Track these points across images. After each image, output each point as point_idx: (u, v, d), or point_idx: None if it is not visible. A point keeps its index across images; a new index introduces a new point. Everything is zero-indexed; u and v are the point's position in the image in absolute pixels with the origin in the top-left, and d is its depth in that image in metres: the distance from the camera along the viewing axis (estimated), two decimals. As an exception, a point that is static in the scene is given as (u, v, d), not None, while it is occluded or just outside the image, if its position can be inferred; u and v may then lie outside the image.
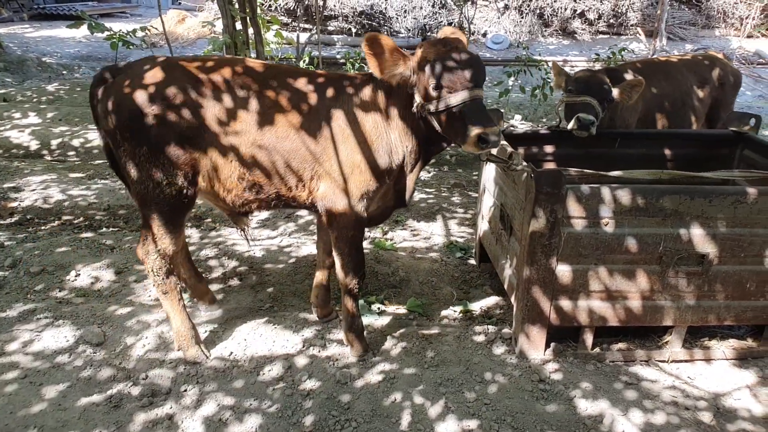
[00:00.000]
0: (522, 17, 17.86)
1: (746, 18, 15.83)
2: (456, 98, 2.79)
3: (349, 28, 17.64)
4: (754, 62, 13.43)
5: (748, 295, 3.43)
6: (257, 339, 3.75)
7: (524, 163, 3.26)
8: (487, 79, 3.70)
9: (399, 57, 2.94)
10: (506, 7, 18.11)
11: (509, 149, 3.17)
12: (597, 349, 3.60)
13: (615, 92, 4.17)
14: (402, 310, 4.22)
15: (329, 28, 17.72)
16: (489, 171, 4.28)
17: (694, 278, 3.36)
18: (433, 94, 2.85)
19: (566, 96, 4.24)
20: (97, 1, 23.52)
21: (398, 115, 3.10)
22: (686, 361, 3.60)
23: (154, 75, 2.97)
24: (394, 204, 3.50)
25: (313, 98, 3.11)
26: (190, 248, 4.95)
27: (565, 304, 3.43)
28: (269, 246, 5.17)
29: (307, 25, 17.41)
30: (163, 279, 3.34)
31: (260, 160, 3.08)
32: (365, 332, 3.71)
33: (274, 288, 4.46)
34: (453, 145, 3.18)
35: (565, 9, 17.62)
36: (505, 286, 3.82)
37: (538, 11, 17.84)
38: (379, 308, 4.21)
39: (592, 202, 3.21)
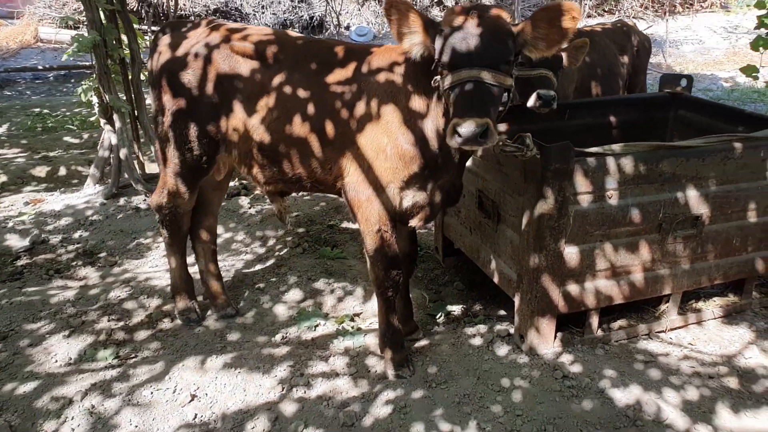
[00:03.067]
0: (382, 7, 17.84)
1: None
2: (448, 79, 2.40)
3: (204, 27, 16.37)
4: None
5: (733, 251, 3.42)
6: (223, 390, 3.02)
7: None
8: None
9: (417, 22, 2.49)
10: (365, -3, 17.97)
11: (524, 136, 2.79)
12: (600, 332, 3.38)
13: (564, 57, 3.98)
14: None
15: (181, 28, 16.30)
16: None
17: (689, 242, 3.26)
18: (440, 70, 2.45)
19: (518, 70, 3.97)
20: None
21: (431, 94, 2.67)
22: (681, 327, 3.52)
23: (193, 34, 3.15)
24: (441, 201, 2.99)
25: (341, 72, 2.88)
26: (92, 291, 4.01)
27: (573, 288, 3.15)
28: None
29: (156, 27, 15.83)
30: (170, 233, 3.53)
31: (282, 135, 2.96)
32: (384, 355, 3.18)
33: (216, 320, 3.70)
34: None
35: (425, -4, 17.88)
36: (496, 280, 3.47)
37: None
38: (353, 327, 3.65)
39: (598, 175, 2.95)
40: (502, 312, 3.78)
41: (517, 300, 3.24)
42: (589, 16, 17.85)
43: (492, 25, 2.39)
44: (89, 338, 3.47)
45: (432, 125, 2.73)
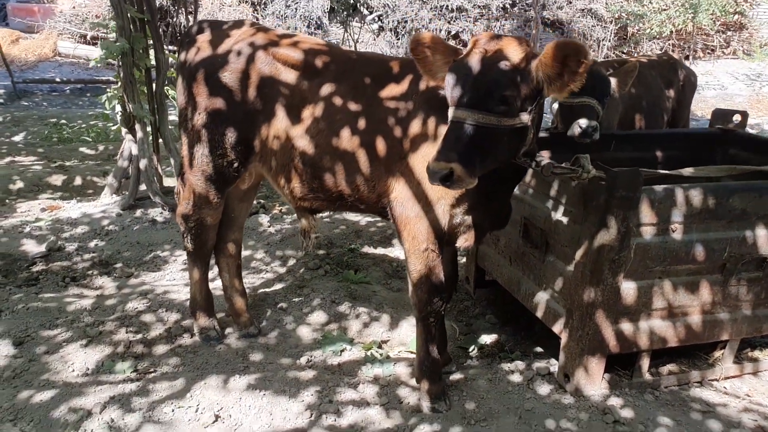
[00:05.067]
0: (398, 38, 17.94)
1: (602, 40, 17.30)
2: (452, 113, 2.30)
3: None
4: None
5: (796, 298, 3.21)
6: (248, 413, 2.80)
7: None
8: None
9: (445, 59, 2.40)
10: (381, 28, 18.11)
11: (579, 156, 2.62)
12: (649, 375, 3.15)
13: (613, 83, 3.83)
14: (408, 354, 3.47)
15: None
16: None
17: (753, 285, 3.06)
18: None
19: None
20: None
21: None
22: (736, 376, 3.29)
23: (235, 36, 2.99)
24: (489, 224, 2.84)
25: (395, 87, 2.74)
26: (108, 301, 3.81)
27: (626, 327, 2.94)
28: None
29: (172, 46, 15.95)
30: (195, 247, 3.31)
31: (328, 148, 2.80)
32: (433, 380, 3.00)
33: (238, 339, 3.49)
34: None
35: (440, 30, 18.01)
36: (539, 314, 3.25)
37: (413, 32, 18.06)
38: (381, 354, 3.43)
39: (664, 206, 2.77)
40: (539, 349, 3.56)
41: (564, 337, 3.01)
42: (606, 58, 17.95)
43: (490, 61, 2.24)
44: (107, 349, 3.25)
45: None
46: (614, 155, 4.13)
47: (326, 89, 2.81)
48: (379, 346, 3.50)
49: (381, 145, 2.74)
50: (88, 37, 16.08)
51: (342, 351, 3.44)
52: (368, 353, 3.42)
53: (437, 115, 2.62)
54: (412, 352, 3.42)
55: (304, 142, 2.84)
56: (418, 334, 2.95)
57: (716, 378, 3.23)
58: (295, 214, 3.27)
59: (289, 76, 2.87)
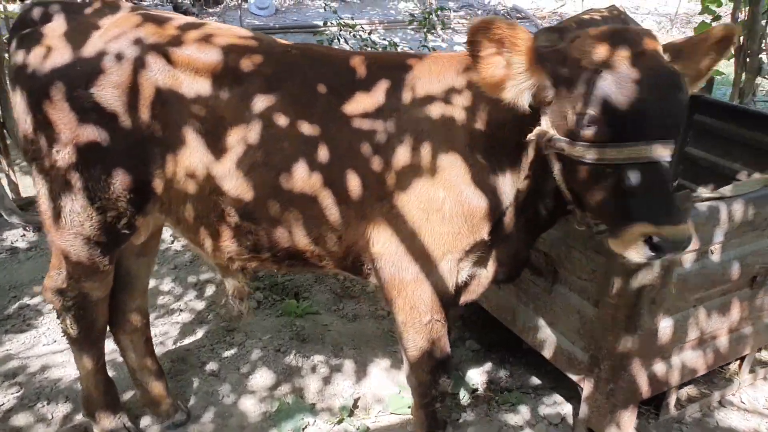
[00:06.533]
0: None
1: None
2: (620, 152, 1.52)
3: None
4: (513, 16, 14.25)
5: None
6: None
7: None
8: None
9: (526, 55, 1.60)
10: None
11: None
12: (674, 410, 2.72)
13: None
14: (390, 416, 2.78)
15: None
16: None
17: (778, 293, 2.67)
18: (580, 130, 1.56)
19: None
20: None
21: (509, 135, 1.82)
22: (750, 385, 2.96)
23: (107, 28, 1.95)
24: (506, 274, 2.17)
25: (367, 99, 1.93)
26: None
27: (659, 368, 2.44)
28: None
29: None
30: (80, 331, 2.31)
31: (266, 192, 1.96)
32: None
33: (162, 439, 2.61)
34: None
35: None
36: (547, 355, 2.65)
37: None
38: (357, 428, 2.70)
39: (707, 227, 2.22)
40: (536, 380, 3.02)
41: (587, 388, 2.46)
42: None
43: (668, 71, 1.57)
44: None
45: (510, 182, 1.91)
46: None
47: (260, 103, 1.91)
48: (351, 413, 2.77)
49: (351, 181, 1.92)
50: None
51: (304, 428, 2.68)
52: (338, 426, 2.69)
53: (433, 138, 1.85)
54: (395, 414, 2.75)
55: (233, 183, 1.95)
56: (419, 422, 2.26)
57: (733, 393, 2.88)
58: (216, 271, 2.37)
59: (201, 86, 1.92)
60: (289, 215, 1.96)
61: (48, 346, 3.22)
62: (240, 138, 1.91)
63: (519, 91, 1.62)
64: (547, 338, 2.64)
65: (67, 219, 2.03)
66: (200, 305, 3.62)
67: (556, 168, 1.71)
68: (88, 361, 2.41)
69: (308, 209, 1.95)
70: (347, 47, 8.08)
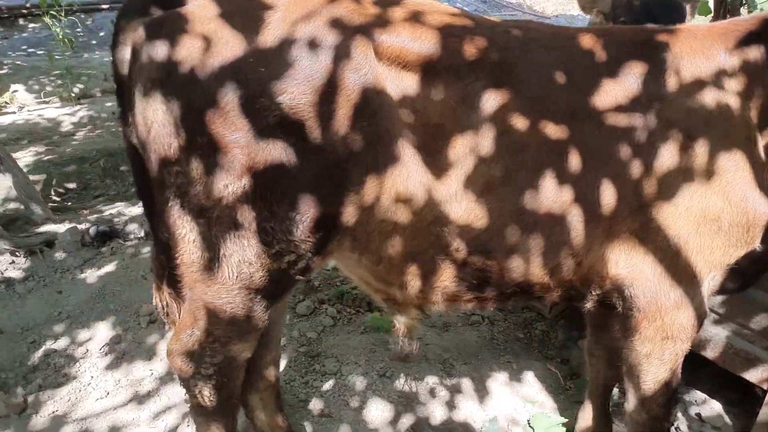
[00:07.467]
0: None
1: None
2: None
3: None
4: None
5: None
6: None
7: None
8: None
9: None
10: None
11: None
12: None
13: (687, 9, 2.96)
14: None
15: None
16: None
17: None
18: None
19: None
20: None
21: None
22: None
23: (288, 4, 1.42)
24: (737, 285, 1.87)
25: (609, 86, 1.55)
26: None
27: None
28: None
29: None
30: (218, 399, 1.82)
31: (506, 216, 1.58)
32: None
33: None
34: None
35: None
36: (710, 355, 2.43)
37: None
38: (514, 457, 2.40)
39: None
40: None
41: (774, 388, 2.28)
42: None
43: None
44: None
45: None
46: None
47: (490, 103, 1.49)
48: (497, 442, 2.46)
49: (604, 193, 1.56)
50: None
51: (456, 467, 2.35)
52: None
53: (707, 132, 1.53)
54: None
55: (462, 208, 1.54)
56: None
57: None
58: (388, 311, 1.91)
59: (412, 85, 1.47)
60: (530, 242, 1.58)
61: (103, 401, 2.66)
62: (468, 150, 1.49)
63: None
64: (713, 336, 2.43)
65: (233, 271, 1.55)
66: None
67: None
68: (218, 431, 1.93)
69: (553, 233, 1.57)
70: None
